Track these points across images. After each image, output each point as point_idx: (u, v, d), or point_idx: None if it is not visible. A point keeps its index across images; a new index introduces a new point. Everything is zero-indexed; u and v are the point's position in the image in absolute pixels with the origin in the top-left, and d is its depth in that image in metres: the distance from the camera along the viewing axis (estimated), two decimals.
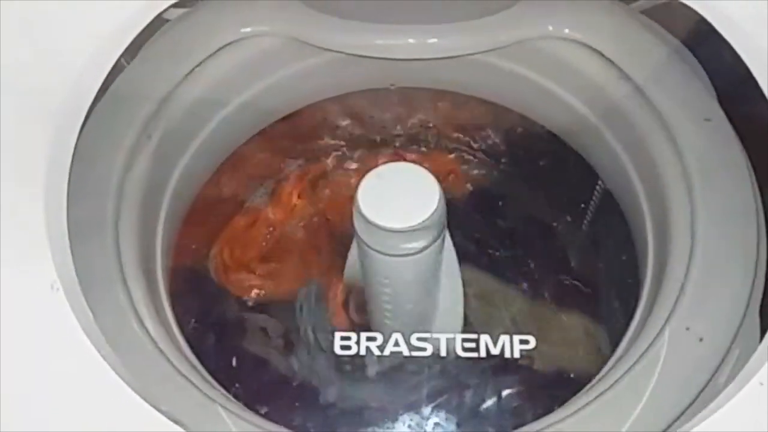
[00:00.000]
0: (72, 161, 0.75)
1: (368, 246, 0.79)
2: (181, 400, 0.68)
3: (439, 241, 0.80)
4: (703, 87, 0.89)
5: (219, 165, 1.04)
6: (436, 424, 0.85)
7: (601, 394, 0.69)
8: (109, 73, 0.77)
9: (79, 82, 0.68)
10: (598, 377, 0.74)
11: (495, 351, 0.75)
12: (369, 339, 0.75)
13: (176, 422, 0.57)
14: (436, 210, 0.74)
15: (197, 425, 0.59)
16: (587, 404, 0.68)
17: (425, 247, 0.78)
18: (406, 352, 0.75)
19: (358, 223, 0.78)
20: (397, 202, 0.75)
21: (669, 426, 0.66)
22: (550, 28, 0.95)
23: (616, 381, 0.70)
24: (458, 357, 0.76)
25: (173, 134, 0.91)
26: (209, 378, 0.75)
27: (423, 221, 0.74)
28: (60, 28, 0.68)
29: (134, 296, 0.76)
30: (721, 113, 0.86)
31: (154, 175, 0.87)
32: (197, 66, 0.93)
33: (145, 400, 0.57)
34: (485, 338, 0.76)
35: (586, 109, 0.99)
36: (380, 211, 0.74)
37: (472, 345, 0.76)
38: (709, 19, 0.70)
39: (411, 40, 0.97)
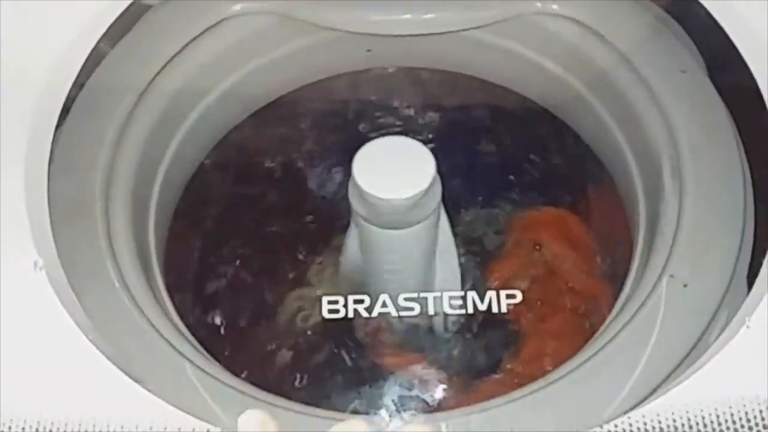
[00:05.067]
0: (53, 144, 0.77)
1: (364, 218, 0.79)
2: (172, 378, 0.69)
3: (434, 214, 0.81)
4: (690, 55, 0.90)
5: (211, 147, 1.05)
6: None
7: (595, 354, 0.69)
8: (94, 59, 0.79)
9: (58, 67, 0.69)
10: (595, 336, 0.74)
11: (482, 307, 0.76)
12: (356, 302, 0.75)
13: (162, 398, 0.56)
14: (431, 183, 0.75)
15: (185, 403, 0.58)
16: (584, 362, 0.68)
17: (420, 221, 0.80)
18: (394, 313, 0.76)
19: (353, 196, 0.79)
20: (393, 174, 0.76)
21: (674, 368, 0.66)
22: (539, 5, 0.97)
23: (613, 337, 0.70)
24: (446, 315, 0.76)
25: (164, 114, 0.91)
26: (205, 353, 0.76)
27: (418, 194, 0.75)
28: (36, 14, 0.69)
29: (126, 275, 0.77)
30: (707, 80, 0.87)
31: (143, 161, 0.88)
32: (189, 43, 0.93)
33: (132, 378, 0.57)
34: (472, 294, 0.76)
35: (577, 81, 1.00)
36: (376, 184, 0.75)
37: (459, 302, 0.76)
38: None
39: (402, 16, 0.98)
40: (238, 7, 0.95)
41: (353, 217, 0.84)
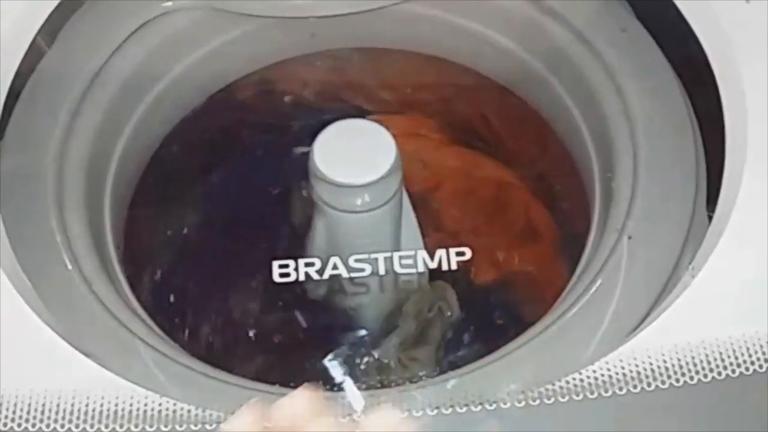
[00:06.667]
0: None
1: (324, 202, 0.80)
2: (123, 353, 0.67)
3: (396, 197, 0.82)
4: (633, 17, 0.89)
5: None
6: None
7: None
8: (31, 58, 0.77)
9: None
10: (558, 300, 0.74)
11: (432, 265, 0.77)
12: (307, 265, 0.75)
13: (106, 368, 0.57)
14: (392, 165, 0.77)
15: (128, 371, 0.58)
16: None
17: (384, 203, 0.80)
18: (345, 274, 0.76)
19: (313, 179, 0.79)
20: (353, 157, 0.77)
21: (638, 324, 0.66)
22: None
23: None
24: (397, 274, 0.77)
25: (108, 111, 0.88)
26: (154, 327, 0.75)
27: (379, 177, 0.76)
28: None
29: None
30: (648, 37, 0.87)
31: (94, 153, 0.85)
32: (123, 43, 0.90)
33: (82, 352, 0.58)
34: (422, 254, 0.77)
35: (526, 53, 0.99)
36: (336, 167, 0.77)
37: (410, 261, 0.77)
38: None
39: None
40: (169, 3, 0.92)
41: (316, 205, 0.84)
